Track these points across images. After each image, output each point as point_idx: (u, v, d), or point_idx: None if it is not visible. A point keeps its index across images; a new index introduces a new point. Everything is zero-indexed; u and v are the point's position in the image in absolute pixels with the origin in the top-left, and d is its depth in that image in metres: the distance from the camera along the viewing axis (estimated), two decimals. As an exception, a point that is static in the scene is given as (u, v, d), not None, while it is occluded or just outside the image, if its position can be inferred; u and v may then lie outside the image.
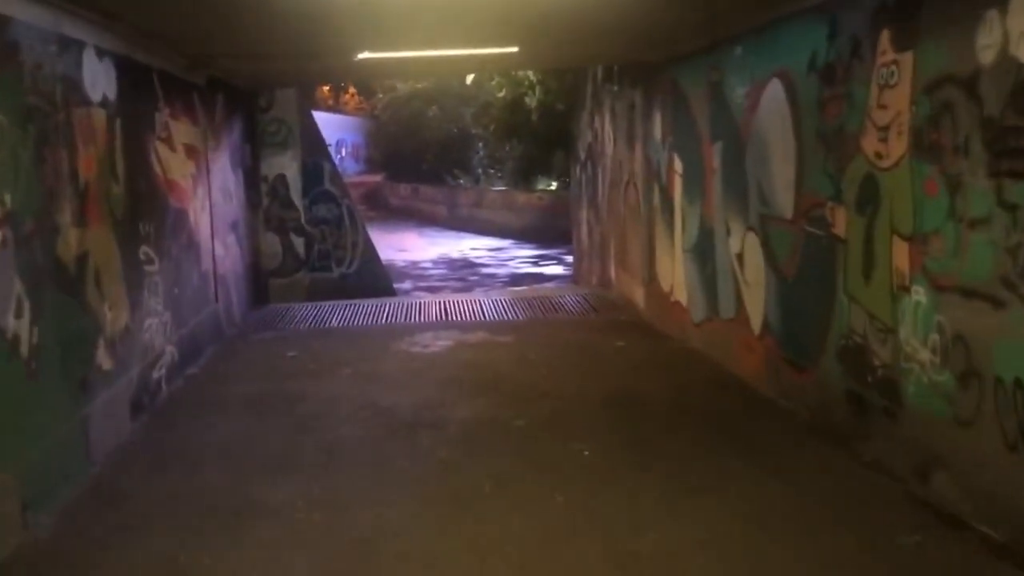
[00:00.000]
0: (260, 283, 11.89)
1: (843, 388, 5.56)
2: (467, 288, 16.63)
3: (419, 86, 32.67)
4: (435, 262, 20.46)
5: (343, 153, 50.86)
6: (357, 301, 11.49)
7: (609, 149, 11.16)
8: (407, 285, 17.10)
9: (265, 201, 12.29)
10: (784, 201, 6.28)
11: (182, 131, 8.29)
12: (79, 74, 5.76)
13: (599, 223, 11.95)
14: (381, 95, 37.46)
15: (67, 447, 5.27)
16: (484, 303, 11.01)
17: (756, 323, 6.84)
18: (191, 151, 8.57)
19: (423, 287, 16.92)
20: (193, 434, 6.26)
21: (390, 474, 5.33)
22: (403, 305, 11.07)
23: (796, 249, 6.16)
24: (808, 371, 6.06)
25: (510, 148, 24.78)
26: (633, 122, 9.93)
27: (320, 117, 48.69)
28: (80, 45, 5.79)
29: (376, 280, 15.75)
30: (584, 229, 13.03)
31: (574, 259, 14.22)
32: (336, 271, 15.44)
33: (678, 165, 8.48)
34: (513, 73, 11.44)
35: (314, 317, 10.58)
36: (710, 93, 7.62)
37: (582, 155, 12.94)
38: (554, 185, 26.51)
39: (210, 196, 9.20)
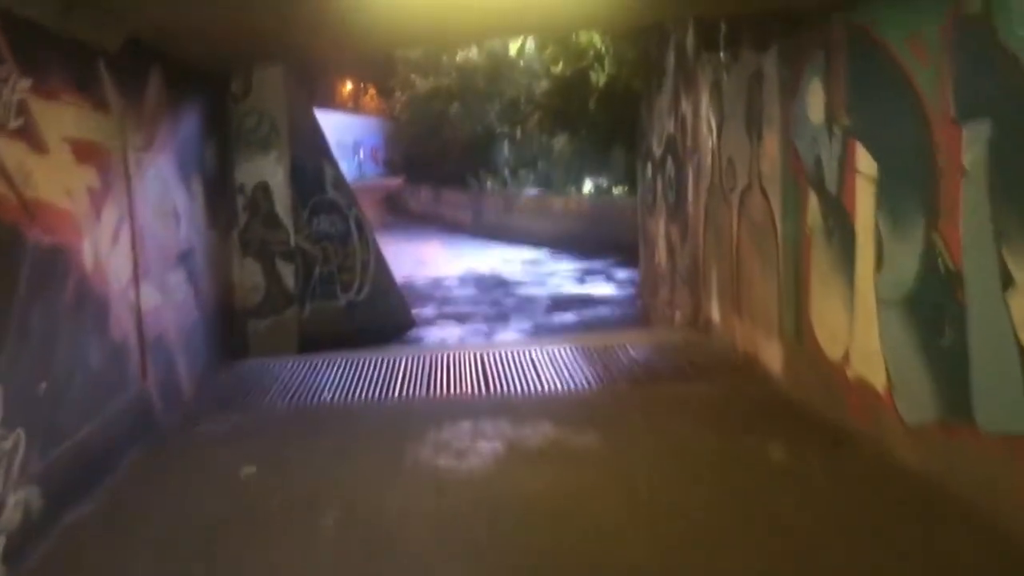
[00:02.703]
0: (234, 329, 8.58)
1: None
2: (502, 316, 13.35)
3: (441, 81, 29.44)
4: (461, 279, 17.13)
5: (361, 155, 47.94)
6: (362, 356, 8.12)
7: (708, 141, 7.78)
8: (429, 311, 13.85)
9: (242, 218, 8.97)
10: None
11: (67, 119, 4.97)
12: None
13: (687, 241, 8.58)
14: (399, 93, 34.26)
15: None
16: (539, 359, 7.64)
17: (1100, 462, 3.44)
18: (89, 151, 5.25)
19: (449, 313, 13.66)
20: None
21: None
22: (426, 362, 7.70)
23: None
24: None
25: (553, 143, 21.24)
26: (758, 100, 6.55)
27: (338, 119, 45.95)
28: None
29: (391, 309, 12.54)
30: (661, 247, 9.65)
31: (641, 283, 10.84)
32: (342, 298, 12.25)
33: (866, 162, 5.08)
34: (573, 38, 8.15)
35: (300, 384, 7.24)
36: (954, 39, 4.22)
37: (657, 150, 9.56)
38: (587, 188, 23.07)
39: (133, 219, 5.89)
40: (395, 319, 12.29)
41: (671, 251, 9.23)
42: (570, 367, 7.36)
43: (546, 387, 6.84)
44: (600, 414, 5.99)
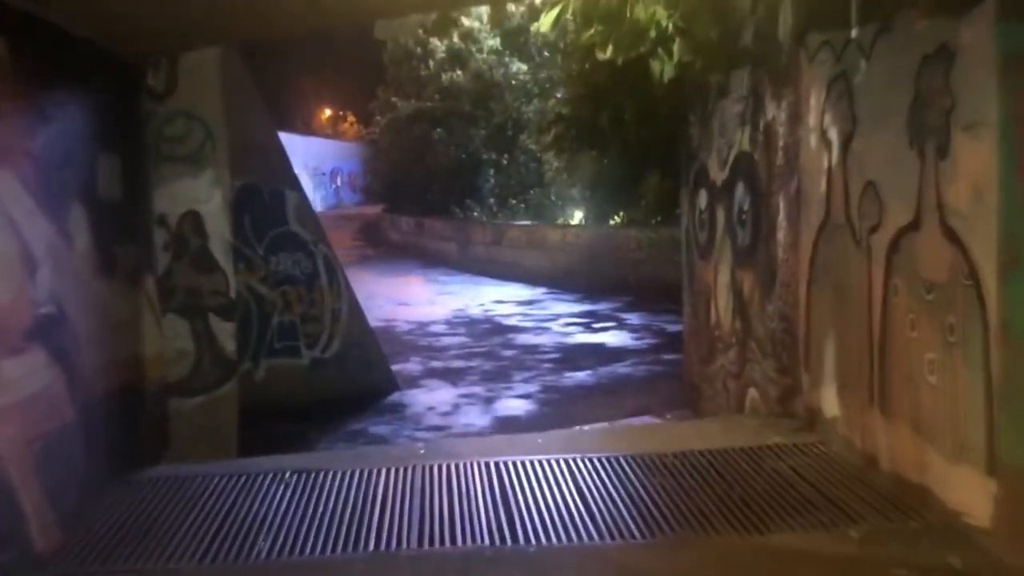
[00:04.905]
0: (144, 417, 5.98)
1: None
2: (502, 373, 10.87)
3: (423, 104, 27.06)
4: (450, 323, 14.62)
5: (339, 182, 45.44)
6: (325, 463, 5.52)
7: (821, 159, 5.34)
8: (413, 366, 11.37)
9: (162, 261, 6.39)
10: None
11: None
12: None
13: (774, 296, 6.10)
14: (379, 118, 31.89)
15: None
16: (583, 476, 5.07)
17: None
18: None
19: (437, 370, 11.16)
20: None
21: None
22: (417, 480, 5.10)
23: None
24: None
25: (544, 170, 18.90)
26: (940, 93, 4.10)
27: (315, 144, 43.56)
28: None
29: (366, 368, 10.04)
30: (722, 301, 7.18)
31: (687, 345, 8.34)
32: (306, 355, 9.81)
33: None
34: (628, 13, 5.76)
35: (226, 518, 4.64)
36: None
37: (718, 173, 7.11)
38: (577, 217, 20.75)
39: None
40: (371, 381, 9.80)
41: (740, 308, 6.75)
42: (631, 491, 4.83)
43: (605, 535, 4.28)
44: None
